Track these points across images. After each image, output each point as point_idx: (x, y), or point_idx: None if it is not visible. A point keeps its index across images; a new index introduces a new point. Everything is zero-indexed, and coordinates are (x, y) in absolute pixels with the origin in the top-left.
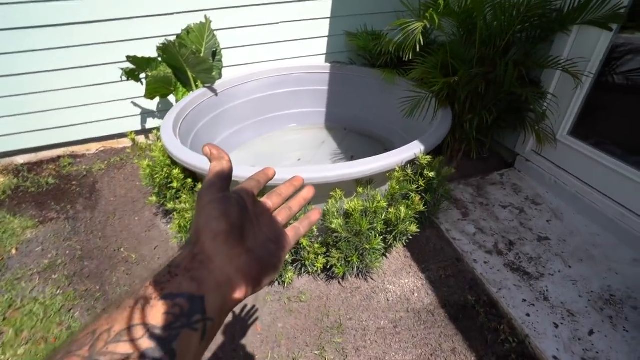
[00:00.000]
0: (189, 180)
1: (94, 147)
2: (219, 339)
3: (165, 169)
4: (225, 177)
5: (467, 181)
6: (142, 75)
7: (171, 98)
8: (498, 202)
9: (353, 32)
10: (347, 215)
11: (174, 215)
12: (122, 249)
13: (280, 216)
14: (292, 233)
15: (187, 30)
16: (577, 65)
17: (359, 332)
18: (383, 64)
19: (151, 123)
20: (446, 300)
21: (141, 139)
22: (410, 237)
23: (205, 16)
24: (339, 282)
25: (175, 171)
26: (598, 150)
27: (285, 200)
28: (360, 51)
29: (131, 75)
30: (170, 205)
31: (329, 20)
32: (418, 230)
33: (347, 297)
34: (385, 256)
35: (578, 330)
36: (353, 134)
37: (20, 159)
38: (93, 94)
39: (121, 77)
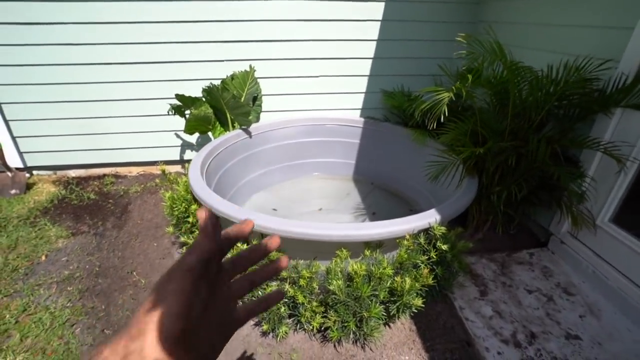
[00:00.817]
0: None
1: (135, 170)
2: None
3: (184, 204)
4: (208, 263)
5: (492, 256)
6: (187, 112)
7: (210, 134)
8: (523, 284)
9: (389, 90)
10: (349, 277)
11: (185, 248)
12: (134, 272)
13: (240, 287)
14: (244, 313)
15: (232, 77)
16: (620, 149)
17: None
18: (415, 125)
19: (189, 154)
20: None
21: (177, 168)
22: (415, 311)
23: (250, 65)
24: (334, 346)
25: (194, 207)
26: None
27: (247, 259)
28: (394, 110)
29: (177, 110)
30: (183, 239)
31: (367, 77)
32: (422, 305)
33: None
34: (388, 325)
35: None
36: (379, 189)
37: (73, 173)
38: (144, 123)
39: (168, 112)
